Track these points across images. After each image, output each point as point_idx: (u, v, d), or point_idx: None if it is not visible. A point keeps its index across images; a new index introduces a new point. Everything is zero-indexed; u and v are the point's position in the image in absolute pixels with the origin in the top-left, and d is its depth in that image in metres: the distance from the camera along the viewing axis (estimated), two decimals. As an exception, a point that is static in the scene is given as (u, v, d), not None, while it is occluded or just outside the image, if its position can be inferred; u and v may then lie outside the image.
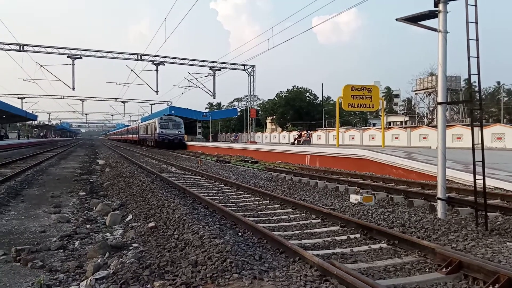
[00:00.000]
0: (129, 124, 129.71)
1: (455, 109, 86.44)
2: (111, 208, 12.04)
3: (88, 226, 10.19)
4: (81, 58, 46.33)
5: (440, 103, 9.98)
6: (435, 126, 36.58)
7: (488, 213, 9.45)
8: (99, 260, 7.50)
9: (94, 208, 12.28)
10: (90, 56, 46.63)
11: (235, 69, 53.52)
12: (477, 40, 9.02)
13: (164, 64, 50.01)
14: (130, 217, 10.78)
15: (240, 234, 8.54)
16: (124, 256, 7.56)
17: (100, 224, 10.38)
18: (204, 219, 9.47)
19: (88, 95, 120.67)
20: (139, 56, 49.25)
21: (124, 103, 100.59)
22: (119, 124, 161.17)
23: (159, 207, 10.73)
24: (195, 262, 6.59)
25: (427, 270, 6.80)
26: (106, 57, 47.53)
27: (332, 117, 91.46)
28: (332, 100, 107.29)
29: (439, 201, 9.91)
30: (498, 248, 7.66)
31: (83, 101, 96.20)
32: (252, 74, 53.50)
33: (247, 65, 53.86)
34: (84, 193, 15.04)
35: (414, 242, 7.66)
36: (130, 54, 48.93)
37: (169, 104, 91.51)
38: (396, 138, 43.48)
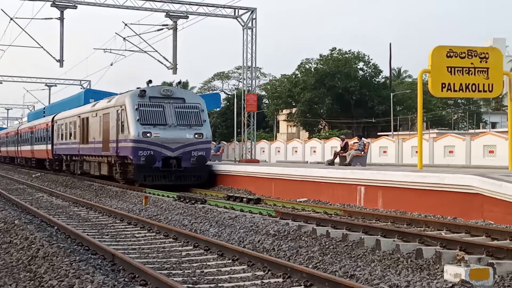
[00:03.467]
0: (5, 126, 77.77)
1: None
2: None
3: None
4: None
5: None
6: None
7: None
8: None
9: None
10: None
11: (217, 15, 29.99)
12: None
13: (75, 7, 28.15)
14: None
15: None
16: None
17: None
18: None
19: None
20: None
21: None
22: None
23: (63, 294, 6.20)
24: None
25: None
26: None
27: (410, 111, 58.27)
28: (410, 78, 71.42)
29: None
30: None
31: None
32: (250, 25, 29.33)
33: (242, 8, 29.32)
34: None
35: None
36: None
37: (83, 85, 53.30)
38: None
